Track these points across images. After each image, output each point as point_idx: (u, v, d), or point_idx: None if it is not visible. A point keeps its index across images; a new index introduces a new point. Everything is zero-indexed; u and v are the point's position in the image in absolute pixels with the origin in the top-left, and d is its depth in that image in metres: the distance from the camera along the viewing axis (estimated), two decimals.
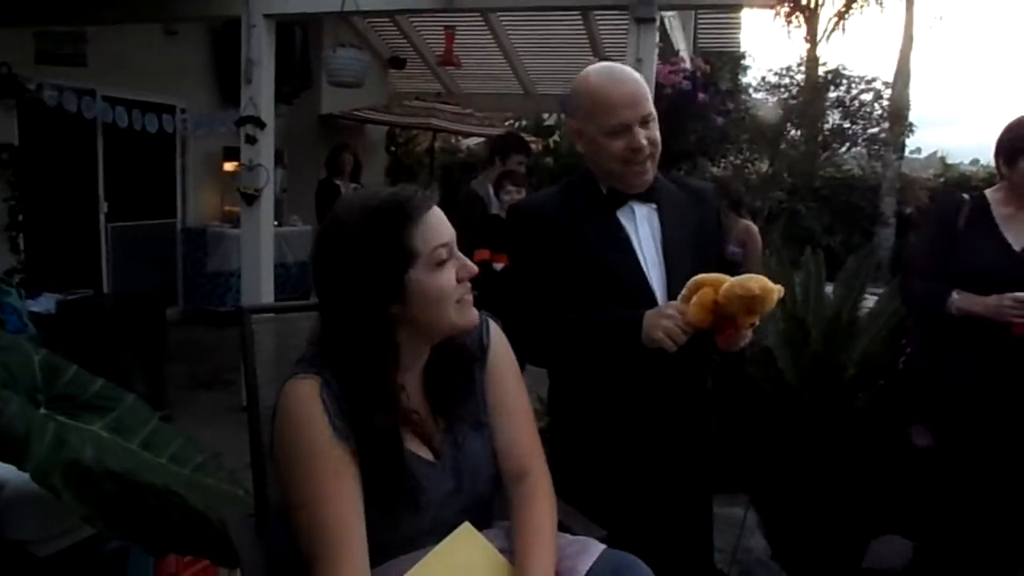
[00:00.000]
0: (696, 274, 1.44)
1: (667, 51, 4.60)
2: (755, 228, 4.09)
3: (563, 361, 1.68)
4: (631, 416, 1.61)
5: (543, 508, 1.24)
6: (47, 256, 5.68)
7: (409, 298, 1.14)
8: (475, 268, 1.21)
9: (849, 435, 2.60)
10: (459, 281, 1.17)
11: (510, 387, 1.30)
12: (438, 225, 1.17)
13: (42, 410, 1.57)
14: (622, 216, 1.61)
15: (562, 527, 1.31)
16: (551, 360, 1.71)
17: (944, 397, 2.22)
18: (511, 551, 1.21)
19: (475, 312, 1.21)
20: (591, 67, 1.66)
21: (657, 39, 3.71)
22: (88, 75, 5.63)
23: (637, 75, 1.61)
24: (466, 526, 1.19)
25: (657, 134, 1.58)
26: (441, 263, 1.15)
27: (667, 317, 1.43)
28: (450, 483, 1.21)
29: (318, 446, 1.10)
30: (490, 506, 1.29)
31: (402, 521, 1.17)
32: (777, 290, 1.37)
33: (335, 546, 1.07)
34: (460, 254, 1.19)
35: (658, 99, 3.58)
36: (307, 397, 1.12)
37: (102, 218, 6.26)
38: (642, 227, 1.61)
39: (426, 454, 1.20)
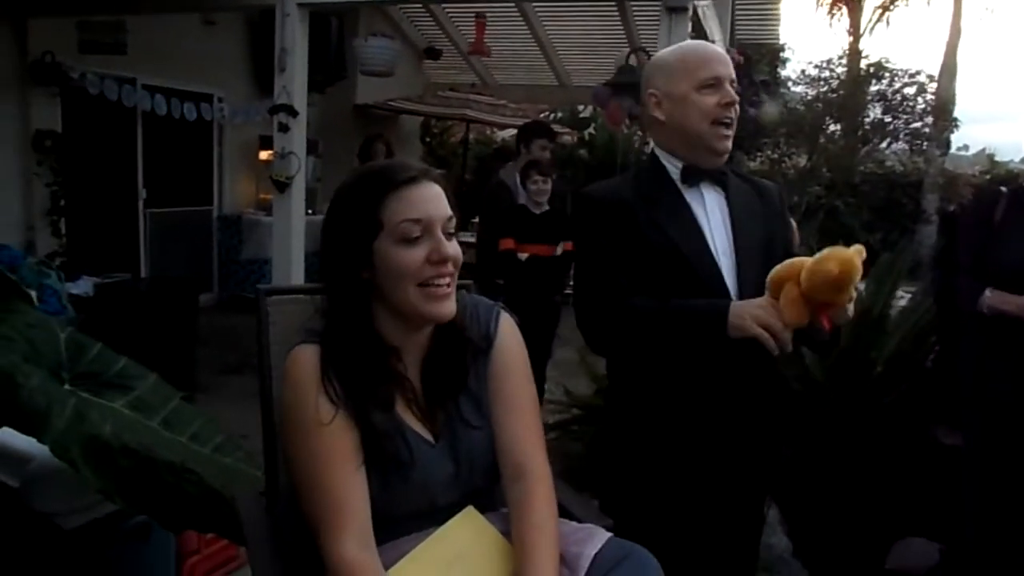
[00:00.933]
0: (766, 268, 1.39)
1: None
2: (792, 222, 4.03)
3: (633, 348, 1.60)
4: (697, 409, 1.55)
5: (544, 505, 1.22)
6: (87, 240, 5.82)
7: (377, 268, 1.16)
8: (448, 253, 1.15)
9: (875, 433, 2.55)
10: (430, 263, 1.14)
11: (515, 382, 1.28)
12: (418, 201, 1.15)
13: (66, 386, 1.61)
14: (692, 202, 1.58)
15: (570, 515, 1.31)
16: (620, 347, 1.63)
17: (973, 396, 2.17)
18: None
19: (446, 304, 1.17)
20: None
21: (690, 29, 3.66)
22: (128, 64, 5.74)
23: None
24: (469, 509, 1.20)
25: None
26: (409, 239, 1.14)
27: (761, 308, 1.37)
28: (449, 467, 1.21)
29: (317, 410, 1.12)
30: (491, 496, 1.29)
31: (396, 494, 1.17)
32: (855, 253, 1.30)
33: (338, 507, 1.10)
34: (441, 238, 1.15)
35: None
36: (307, 362, 1.15)
37: (141, 204, 6.39)
38: (712, 215, 1.58)
39: (425, 434, 1.21)
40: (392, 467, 1.16)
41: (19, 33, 5.27)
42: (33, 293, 3.89)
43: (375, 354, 1.18)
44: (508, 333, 1.31)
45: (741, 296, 1.50)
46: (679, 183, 1.59)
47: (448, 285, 1.17)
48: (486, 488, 1.27)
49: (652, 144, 1.69)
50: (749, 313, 1.37)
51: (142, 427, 1.62)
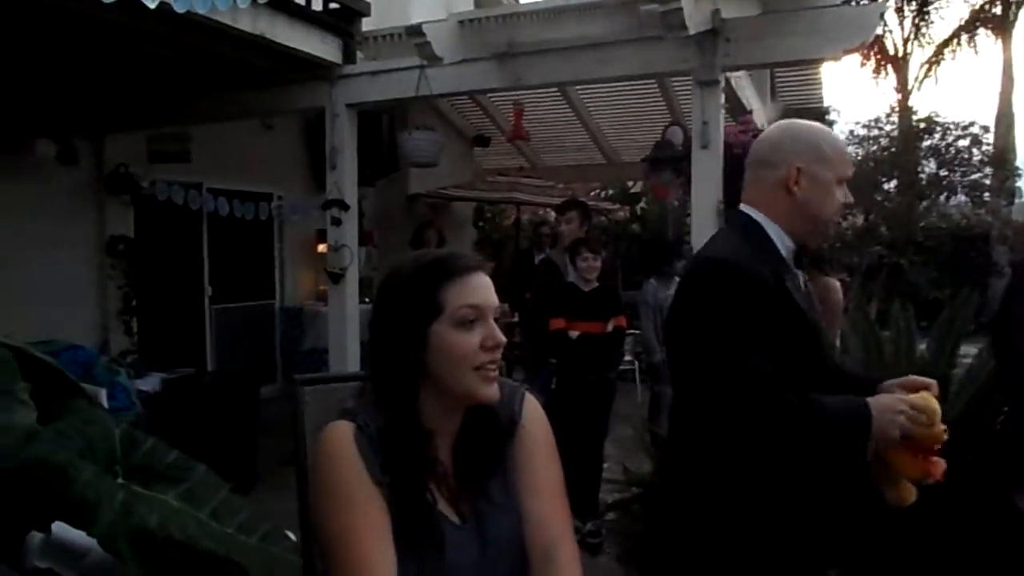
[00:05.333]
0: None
1: (737, 110, 4.59)
2: (836, 284, 3.95)
3: (778, 450, 1.43)
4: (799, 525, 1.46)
5: None
6: (157, 338, 6.10)
7: (431, 351, 1.19)
8: (503, 339, 1.21)
9: (947, 501, 2.41)
10: (484, 349, 1.19)
11: (541, 463, 1.28)
12: (475, 288, 1.21)
13: (119, 479, 1.67)
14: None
15: None
16: (768, 447, 1.43)
17: None
18: None
19: (495, 387, 1.21)
20: (792, 120, 1.65)
21: (723, 100, 3.71)
22: (194, 170, 6.12)
23: None
24: None
25: None
26: (466, 323, 1.19)
27: (898, 412, 1.32)
28: (475, 550, 1.21)
29: (351, 484, 1.15)
30: None
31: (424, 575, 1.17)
32: (929, 387, 1.33)
33: None
34: (494, 325, 1.21)
35: (727, 159, 3.59)
36: (342, 437, 1.18)
37: (207, 300, 6.69)
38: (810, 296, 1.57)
39: (452, 516, 1.22)
40: (420, 548, 1.16)
41: (97, 148, 5.72)
42: (104, 391, 4.07)
43: (413, 435, 1.20)
44: (533, 414, 1.32)
45: None
46: (789, 262, 1.55)
47: (496, 368, 1.21)
48: (513, 572, 1.25)
49: (749, 211, 1.58)
50: (894, 420, 1.33)
51: (189, 518, 1.65)
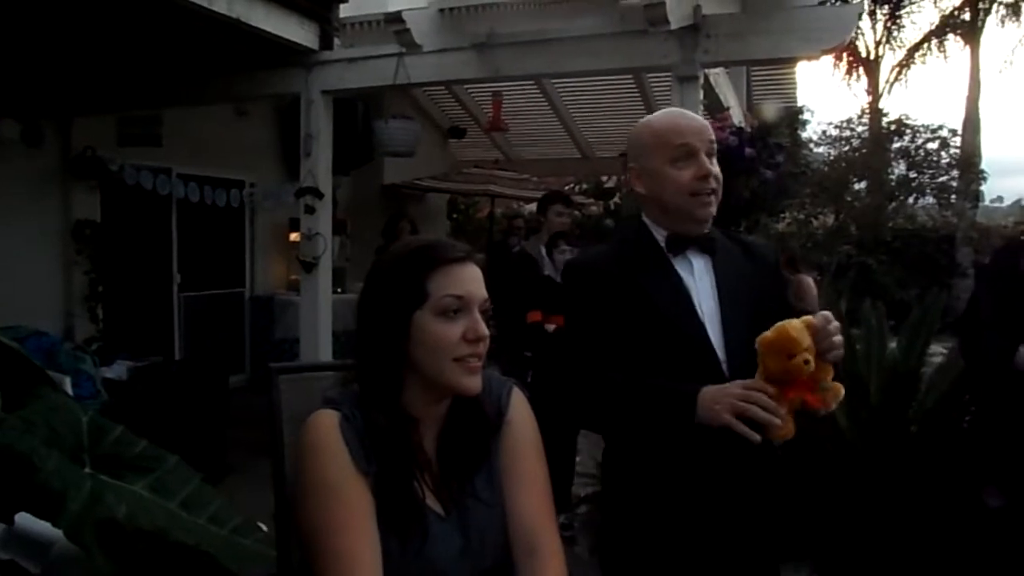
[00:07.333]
0: (754, 330, 1.35)
1: (715, 107, 4.61)
2: (809, 281, 4.01)
3: (612, 428, 1.60)
4: (689, 485, 1.50)
5: None
6: (123, 325, 5.96)
7: (413, 339, 1.17)
8: (484, 332, 1.18)
9: (916, 496, 2.44)
10: (466, 341, 1.17)
11: (526, 458, 1.27)
12: (461, 279, 1.18)
13: (87, 469, 1.62)
14: (680, 269, 1.56)
15: None
16: (602, 426, 1.63)
17: (1017, 457, 2.07)
18: None
19: (477, 379, 1.19)
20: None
21: (702, 96, 3.72)
22: (164, 155, 6.00)
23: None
24: None
25: (719, 172, 1.54)
26: (449, 314, 1.17)
27: (735, 394, 1.33)
28: (458, 542, 1.19)
29: (335, 475, 1.12)
30: (502, 574, 1.25)
31: (404, 568, 1.15)
32: (799, 321, 1.29)
33: (348, 574, 1.08)
34: (478, 317, 1.18)
35: None
36: (326, 427, 1.15)
37: (175, 288, 6.56)
38: (700, 280, 1.56)
39: (436, 507, 1.20)
40: (404, 539, 1.15)
41: (64, 129, 5.57)
42: (68, 379, 3.97)
43: (398, 424, 1.18)
44: (520, 408, 1.30)
45: (730, 360, 1.48)
46: (666, 251, 1.58)
47: (479, 361, 1.19)
48: (496, 566, 1.24)
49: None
50: (722, 401, 1.34)
51: (159, 509, 1.61)
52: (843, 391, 1.34)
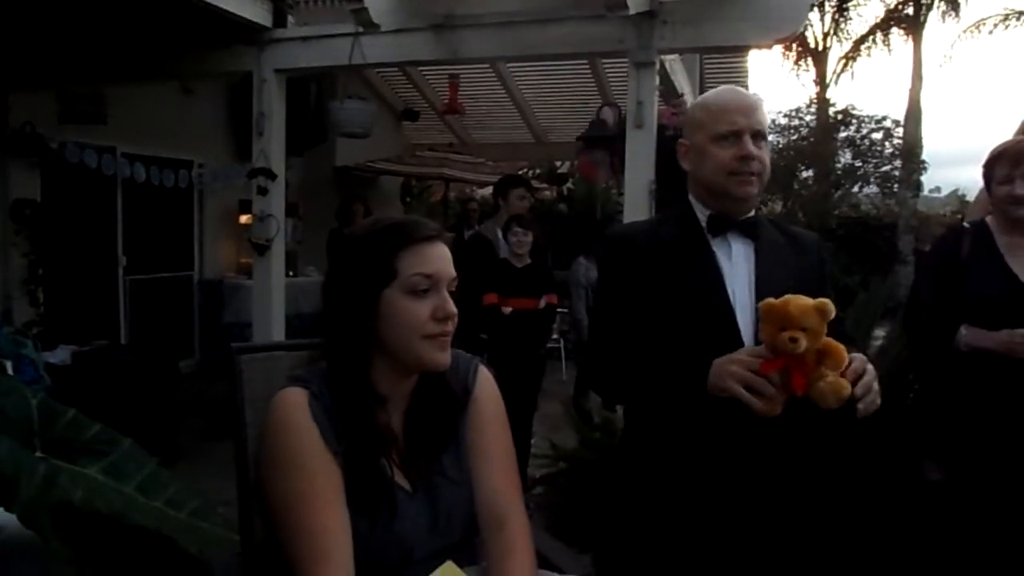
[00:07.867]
0: None
1: (670, 93, 4.66)
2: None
3: (631, 401, 1.62)
4: (706, 464, 1.47)
5: (523, 556, 1.22)
6: (66, 309, 5.78)
7: (382, 317, 1.17)
8: (452, 310, 1.19)
9: (858, 473, 2.53)
10: (435, 320, 1.17)
11: (493, 434, 1.29)
12: (431, 257, 1.19)
13: (37, 453, 1.58)
14: (718, 251, 1.54)
15: (550, 565, 1.29)
16: (622, 398, 1.65)
17: (957, 433, 2.17)
18: None
19: (446, 355, 1.20)
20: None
21: (657, 82, 3.76)
22: (108, 133, 5.81)
23: (760, 97, 1.62)
24: (448, 563, 1.17)
25: (767, 159, 1.54)
26: (418, 292, 1.17)
27: (743, 363, 1.28)
28: (425, 518, 1.20)
29: (305, 452, 1.12)
30: (469, 550, 1.27)
31: (372, 544, 1.15)
32: (813, 300, 1.23)
33: (321, 551, 1.08)
34: (446, 295, 1.19)
35: (659, 140, 3.65)
36: (294, 404, 1.15)
37: (120, 271, 6.38)
38: (738, 265, 1.53)
39: (404, 483, 1.21)
40: (373, 516, 1.15)
41: (0, 104, 5.33)
42: (9, 363, 3.84)
43: (365, 401, 1.19)
44: (486, 386, 1.32)
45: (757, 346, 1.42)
46: (707, 232, 1.56)
47: (447, 338, 1.19)
48: (464, 541, 1.25)
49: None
50: (729, 370, 1.28)
51: (115, 493, 1.58)
52: (847, 390, 1.24)
